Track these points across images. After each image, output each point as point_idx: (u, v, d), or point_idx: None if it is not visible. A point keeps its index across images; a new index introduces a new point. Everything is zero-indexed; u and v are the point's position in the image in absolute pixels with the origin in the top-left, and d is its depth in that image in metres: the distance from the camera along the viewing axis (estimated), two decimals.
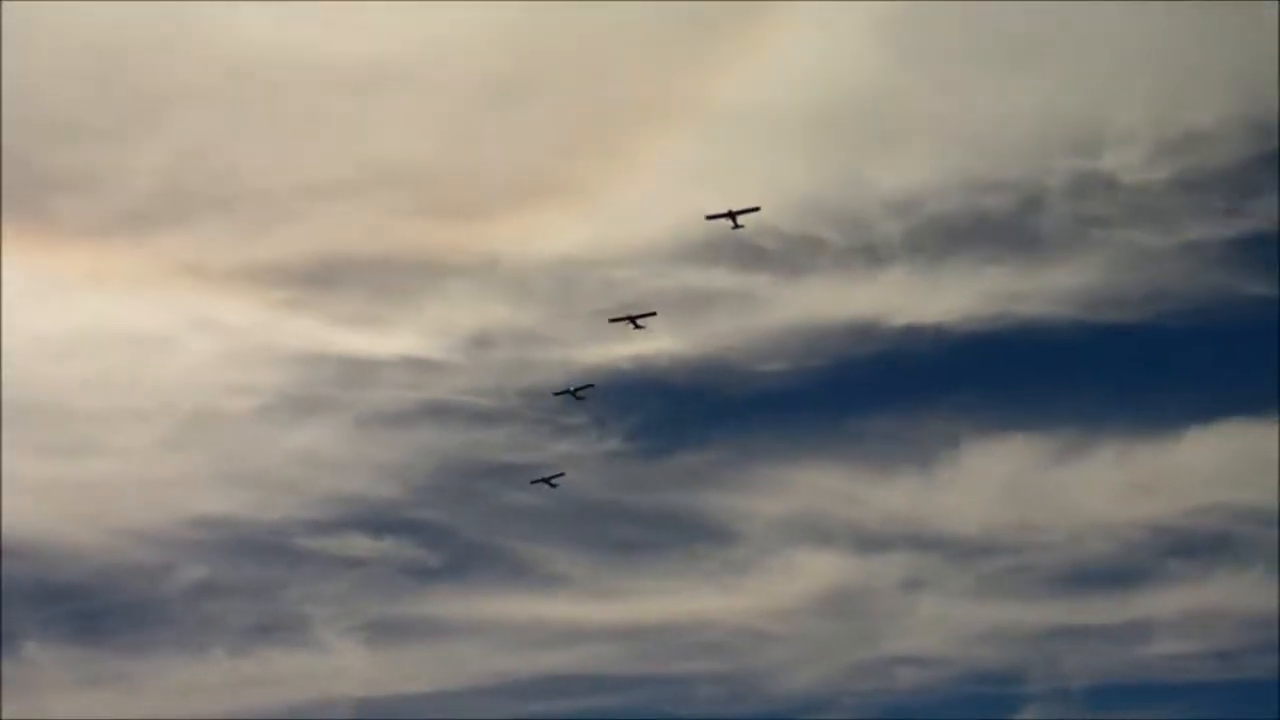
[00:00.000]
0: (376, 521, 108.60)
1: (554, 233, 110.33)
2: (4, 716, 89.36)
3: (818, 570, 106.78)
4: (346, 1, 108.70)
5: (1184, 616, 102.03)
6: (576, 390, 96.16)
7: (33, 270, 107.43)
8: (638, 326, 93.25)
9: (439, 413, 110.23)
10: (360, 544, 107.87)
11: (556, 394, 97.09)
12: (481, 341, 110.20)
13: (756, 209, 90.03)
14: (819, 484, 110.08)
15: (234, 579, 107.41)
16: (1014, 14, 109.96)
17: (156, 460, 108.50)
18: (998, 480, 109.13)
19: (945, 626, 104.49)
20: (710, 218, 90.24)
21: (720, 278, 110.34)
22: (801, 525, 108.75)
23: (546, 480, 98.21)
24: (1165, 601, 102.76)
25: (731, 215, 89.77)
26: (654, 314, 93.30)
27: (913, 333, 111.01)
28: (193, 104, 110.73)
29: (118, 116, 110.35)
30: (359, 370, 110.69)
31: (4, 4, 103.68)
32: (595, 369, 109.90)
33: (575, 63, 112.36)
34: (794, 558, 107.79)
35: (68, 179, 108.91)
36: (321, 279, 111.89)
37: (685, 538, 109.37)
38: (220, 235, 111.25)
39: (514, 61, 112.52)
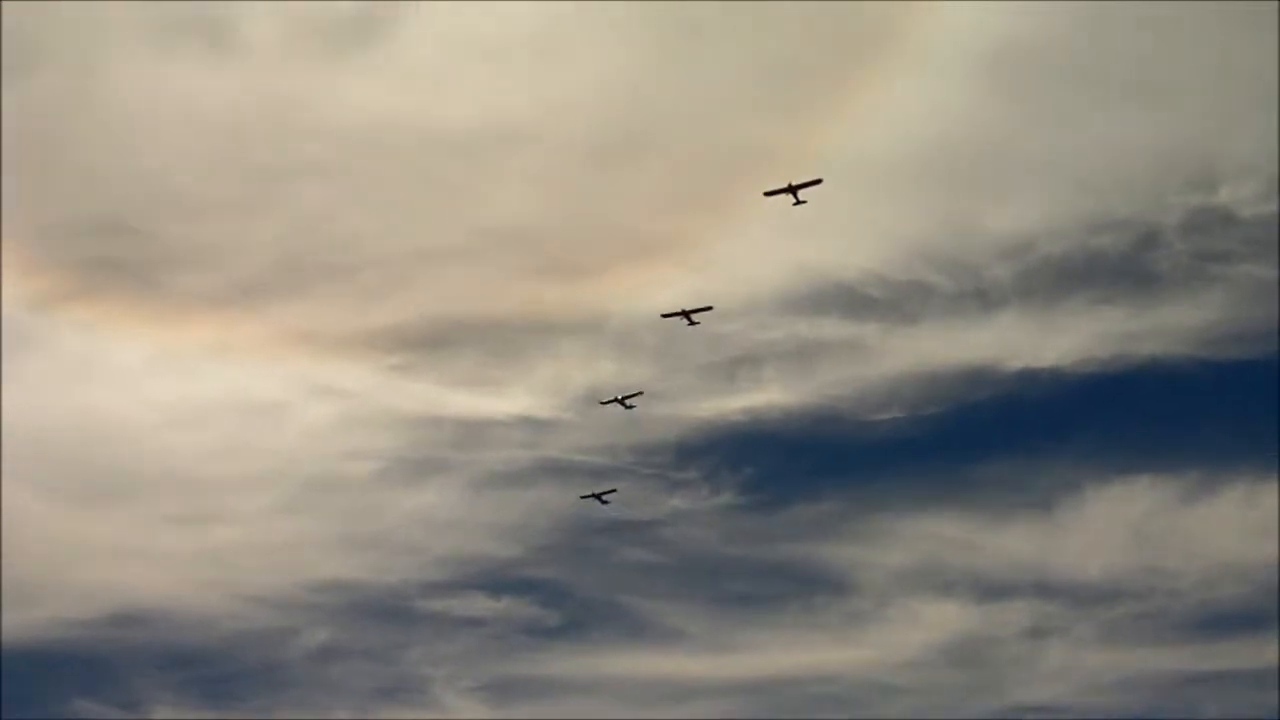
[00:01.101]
0: (494, 581, 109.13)
1: (662, 288, 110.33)
2: (4, 716, 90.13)
3: (939, 620, 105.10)
4: (454, 68, 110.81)
5: None
6: (602, 495, 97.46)
7: (155, 343, 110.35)
8: (628, 407, 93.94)
9: (553, 471, 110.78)
10: (479, 604, 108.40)
11: (583, 497, 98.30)
12: (593, 399, 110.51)
13: (709, 308, 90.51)
14: (937, 532, 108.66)
15: (355, 642, 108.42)
16: (1123, 49, 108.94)
17: (277, 526, 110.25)
18: (1122, 524, 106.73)
19: (1073, 675, 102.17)
20: (665, 316, 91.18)
21: (829, 328, 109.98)
22: (921, 575, 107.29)
23: (598, 496, 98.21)
24: None
25: (686, 314, 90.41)
26: (640, 393, 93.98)
27: (1028, 377, 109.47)
28: (308, 175, 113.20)
29: (235, 190, 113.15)
30: (474, 431, 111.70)
31: (126, 83, 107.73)
32: (707, 423, 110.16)
33: (681, 119, 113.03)
34: (914, 608, 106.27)
35: (188, 253, 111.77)
36: (435, 342, 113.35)
37: (803, 590, 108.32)
38: (336, 303, 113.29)
39: (620, 120, 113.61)
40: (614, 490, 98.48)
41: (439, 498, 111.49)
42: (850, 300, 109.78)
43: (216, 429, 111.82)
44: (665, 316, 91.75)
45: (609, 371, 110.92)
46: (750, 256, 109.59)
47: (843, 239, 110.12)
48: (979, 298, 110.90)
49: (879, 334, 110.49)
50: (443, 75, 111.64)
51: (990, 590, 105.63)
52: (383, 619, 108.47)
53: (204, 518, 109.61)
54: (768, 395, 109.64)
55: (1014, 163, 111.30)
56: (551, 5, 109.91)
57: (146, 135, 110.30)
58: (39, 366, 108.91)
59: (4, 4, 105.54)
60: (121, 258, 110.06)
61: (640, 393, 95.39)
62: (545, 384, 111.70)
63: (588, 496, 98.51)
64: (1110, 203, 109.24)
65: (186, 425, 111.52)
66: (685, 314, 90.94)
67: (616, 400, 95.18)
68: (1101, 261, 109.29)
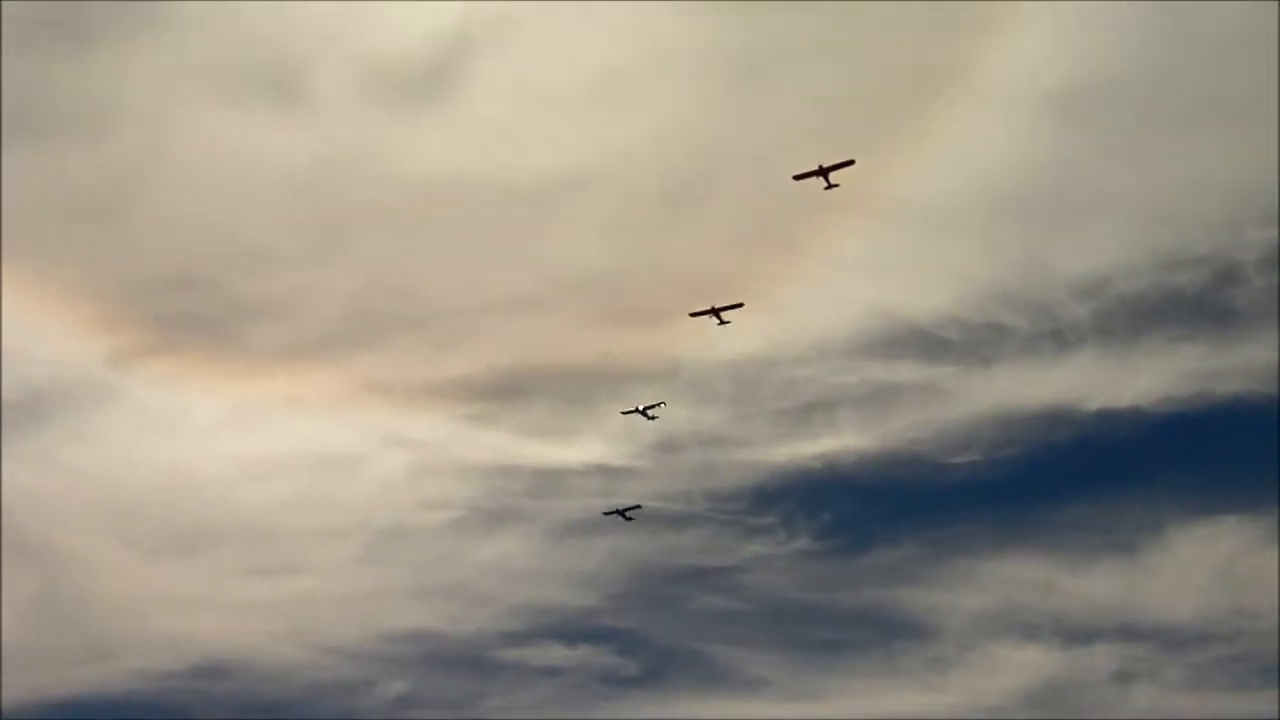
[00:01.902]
0: (571, 630, 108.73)
1: (734, 334, 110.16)
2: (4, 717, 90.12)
3: (1023, 664, 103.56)
4: (521, 118, 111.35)
5: None
6: (625, 511, 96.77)
7: (231, 396, 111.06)
8: (650, 418, 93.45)
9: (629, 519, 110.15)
10: (556, 653, 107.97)
11: (605, 514, 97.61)
12: (667, 446, 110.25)
13: (740, 305, 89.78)
14: (1019, 575, 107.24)
15: (433, 692, 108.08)
16: (1196, 82, 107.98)
17: (354, 576, 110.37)
18: (1208, 565, 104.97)
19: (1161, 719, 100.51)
20: (694, 315, 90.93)
21: (904, 371, 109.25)
22: (1003, 619, 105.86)
23: (621, 513, 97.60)
24: None
25: (715, 312, 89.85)
26: (663, 404, 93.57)
27: (1107, 417, 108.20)
28: (380, 226, 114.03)
29: (308, 243, 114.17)
30: (548, 480, 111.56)
31: (200, 140, 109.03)
32: (782, 468, 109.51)
33: (748, 162, 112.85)
34: (997, 652, 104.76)
35: (263, 306, 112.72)
36: (508, 391, 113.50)
37: (883, 636, 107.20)
38: (409, 353, 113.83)
39: (687, 165, 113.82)
40: (638, 506, 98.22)
41: (514, 547, 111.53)
42: (924, 342, 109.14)
43: (292, 480, 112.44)
44: (694, 315, 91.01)
45: (682, 418, 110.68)
46: (822, 300, 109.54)
47: (915, 281, 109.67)
48: (1055, 338, 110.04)
49: (954, 376, 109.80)
50: (510, 125, 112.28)
51: (1074, 634, 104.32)
52: (460, 669, 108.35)
53: (281, 569, 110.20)
54: (843, 439, 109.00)
55: (1087, 200, 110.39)
56: (615, 53, 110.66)
57: (220, 191, 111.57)
58: (118, 421, 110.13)
59: (79, 66, 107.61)
60: (197, 312, 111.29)
61: (663, 403, 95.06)
62: (618, 432, 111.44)
63: (610, 513, 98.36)
64: (1187, 239, 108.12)
65: (263, 477, 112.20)
66: (715, 312, 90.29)
67: (638, 411, 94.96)
68: (1179, 299, 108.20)
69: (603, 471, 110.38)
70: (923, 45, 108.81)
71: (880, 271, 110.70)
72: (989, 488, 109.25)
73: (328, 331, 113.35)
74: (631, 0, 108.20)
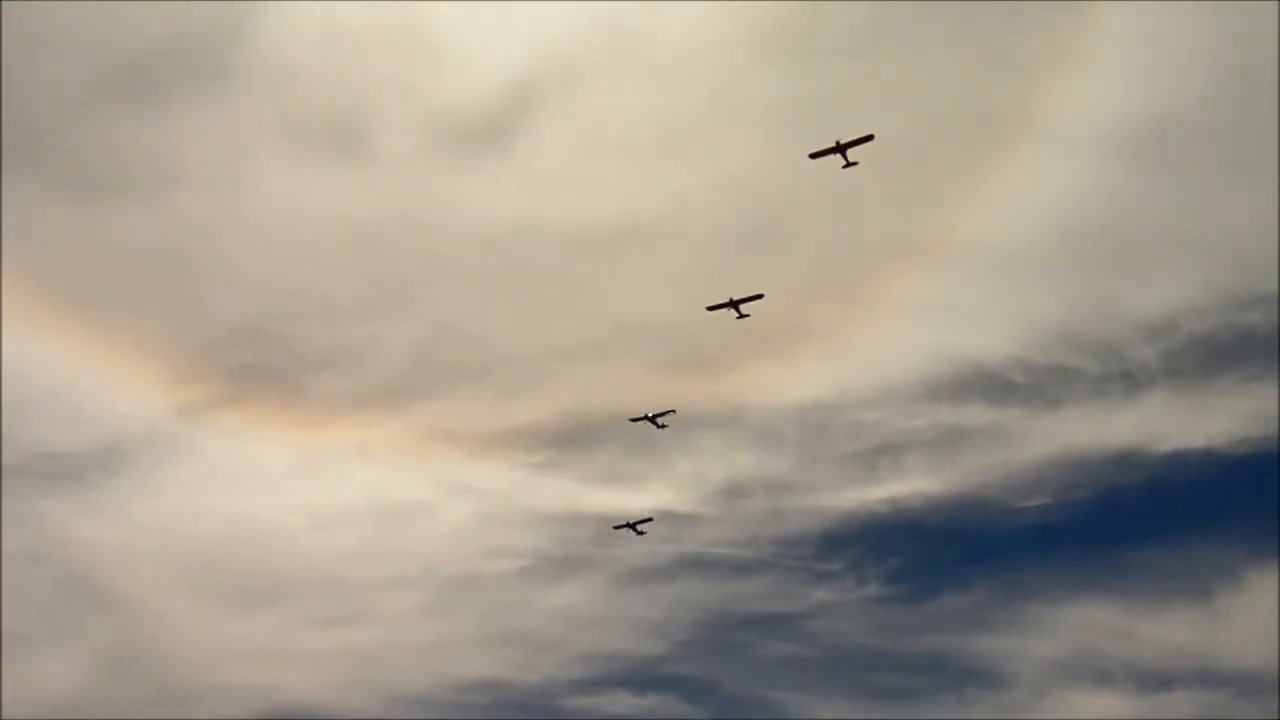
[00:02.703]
0: (639, 678, 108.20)
1: (799, 379, 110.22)
2: (4, 716, 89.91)
3: (1097, 711, 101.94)
4: (585, 167, 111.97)
5: None
6: (636, 524, 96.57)
7: (300, 447, 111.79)
8: (660, 426, 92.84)
9: (695, 566, 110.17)
10: (624, 701, 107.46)
11: (616, 527, 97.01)
12: (733, 492, 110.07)
13: (760, 296, 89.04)
14: (1092, 621, 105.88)
15: None
16: (1262, 119, 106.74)
17: (422, 626, 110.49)
18: None
19: None
20: (711, 308, 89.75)
21: (972, 414, 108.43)
22: (1076, 665, 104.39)
23: (632, 526, 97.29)
24: None
25: (734, 304, 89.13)
26: (673, 411, 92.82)
27: (1179, 459, 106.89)
28: (444, 277, 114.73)
29: (373, 295, 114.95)
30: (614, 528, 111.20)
31: (266, 195, 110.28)
32: (850, 513, 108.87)
33: (813, 210, 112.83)
34: (1071, 699, 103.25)
35: (328, 358, 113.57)
36: (574, 439, 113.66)
37: (954, 683, 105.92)
38: (475, 402, 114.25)
39: (751, 213, 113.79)
40: (649, 519, 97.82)
41: (581, 595, 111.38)
42: (992, 385, 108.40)
43: (360, 530, 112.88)
44: (711, 309, 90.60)
45: (748, 464, 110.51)
46: (888, 343, 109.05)
47: (983, 324, 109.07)
48: (1124, 379, 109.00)
49: (1023, 419, 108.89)
50: (574, 175, 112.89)
51: (1150, 680, 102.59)
52: (528, 718, 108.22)
53: (350, 619, 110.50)
54: (911, 484, 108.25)
55: (1155, 240, 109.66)
56: (679, 102, 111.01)
57: (288, 245, 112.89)
58: (189, 473, 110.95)
59: (149, 125, 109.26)
60: (265, 364, 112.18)
61: (673, 410, 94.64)
62: (684, 478, 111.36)
63: (621, 526, 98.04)
64: (1256, 277, 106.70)
65: (331, 527, 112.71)
66: (733, 304, 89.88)
67: (647, 418, 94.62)
68: (1250, 338, 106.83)
69: (669, 518, 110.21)
70: (989, 88, 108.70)
71: (947, 314, 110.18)
72: (1060, 531, 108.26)
73: (394, 381, 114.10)
74: (694, 50, 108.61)
